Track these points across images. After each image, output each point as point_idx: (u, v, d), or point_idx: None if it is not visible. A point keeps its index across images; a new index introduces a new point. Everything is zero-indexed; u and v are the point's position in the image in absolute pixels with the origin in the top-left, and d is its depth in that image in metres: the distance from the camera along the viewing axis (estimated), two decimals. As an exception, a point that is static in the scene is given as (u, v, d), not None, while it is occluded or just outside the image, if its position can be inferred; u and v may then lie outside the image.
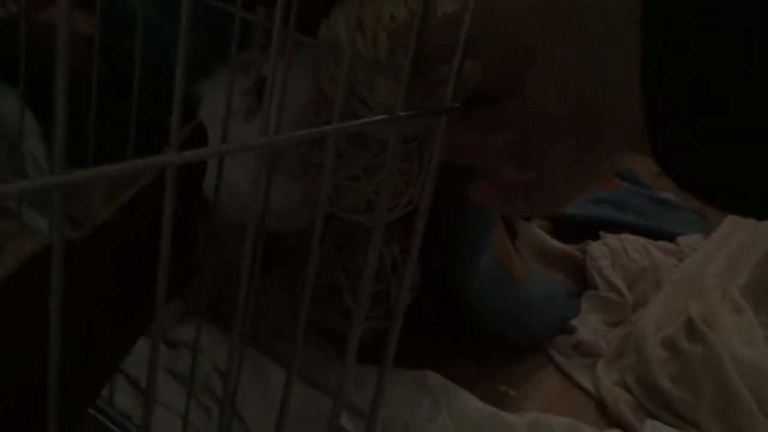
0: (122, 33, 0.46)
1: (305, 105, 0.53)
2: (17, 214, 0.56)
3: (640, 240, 0.98)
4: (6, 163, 0.66)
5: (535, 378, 0.73)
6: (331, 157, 0.33)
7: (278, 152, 0.52)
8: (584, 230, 0.96)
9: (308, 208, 0.57)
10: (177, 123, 0.25)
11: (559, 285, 0.85)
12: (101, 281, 0.33)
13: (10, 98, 0.63)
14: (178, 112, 0.25)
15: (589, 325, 0.81)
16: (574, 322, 0.80)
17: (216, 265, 0.44)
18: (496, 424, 0.63)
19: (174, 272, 0.28)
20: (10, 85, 0.66)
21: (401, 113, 0.32)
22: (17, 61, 0.50)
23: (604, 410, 0.71)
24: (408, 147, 0.53)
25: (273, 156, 0.43)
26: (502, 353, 0.73)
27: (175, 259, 0.28)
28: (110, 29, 0.49)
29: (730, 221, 1.02)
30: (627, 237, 0.97)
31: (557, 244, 0.92)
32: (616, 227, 0.99)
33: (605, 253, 0.91)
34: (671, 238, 1.02)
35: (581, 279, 0.89)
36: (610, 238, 0.95)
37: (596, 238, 0.95)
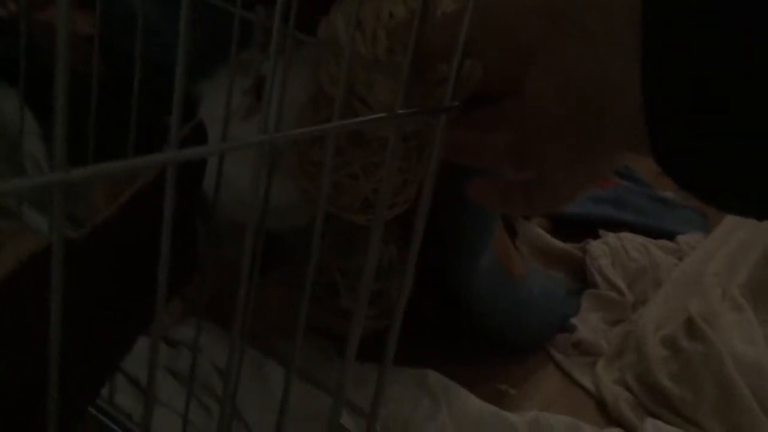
0: (122, 33, 0.46)
1: (305, 103, 0.53)
2: (17, 214, 0.56)
3: (640, 239, 0.98)
4: (6, 163, 0.66)
5: (535, 377, 0.73)
6: (331, 155, 0.33)
7: (278, 150, 0.52)
8: (584, 229, 0.96)
9: (307, 206, 0.57)
10: (177, 121, 0.25)
11: (559, 284, 0.85)
12: (101, 280, 0.33)
13: (10, 98, 0.63)
14: (178, 111, 0.25)
15: (589, 323, 0.81)
16: (574, 320, 0.80)
17: (216, 264, 0.44)
18: (496, 422, 0.63)
19: (174, 271, 0.28)
20: (10, 85, 0.66)
21: (400, 111, 0.32)
22: (17, 61, 0.50)
23: (604, 409, 0.71)
24: (407, 145, 0.53)
25: (273, 154, 0.42)
26: (502, 353, 0.73)
27: (175, 257, 0.28)
28: (110, 29, 0.49)
29: (730, 220, 1.02)
30: (627, 236, 0.97)
31: (557, 242, 0.92)
32: (616, 226, 0.99)
33: (605, 251, 0.91)
34: (671, 236, 1.02)
35: (581, 278, 0.89)
36: (610, 237, 0.95)
37: (596, 236, 0.95)
